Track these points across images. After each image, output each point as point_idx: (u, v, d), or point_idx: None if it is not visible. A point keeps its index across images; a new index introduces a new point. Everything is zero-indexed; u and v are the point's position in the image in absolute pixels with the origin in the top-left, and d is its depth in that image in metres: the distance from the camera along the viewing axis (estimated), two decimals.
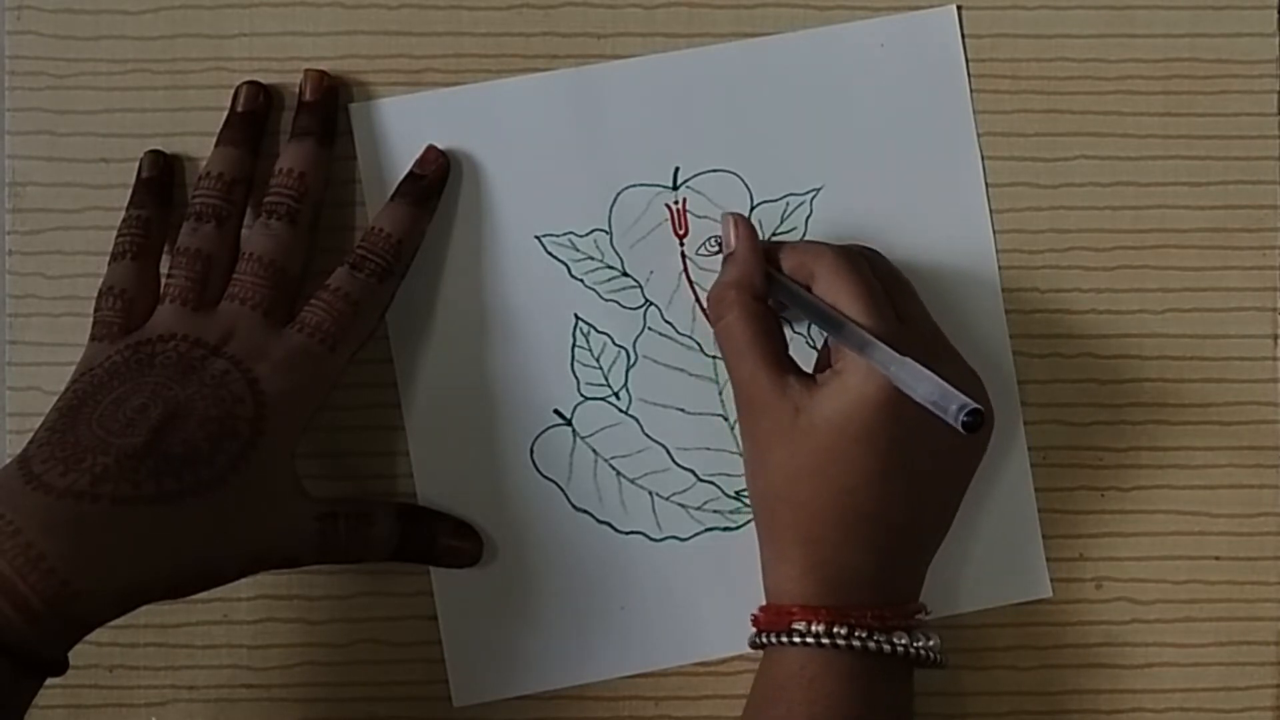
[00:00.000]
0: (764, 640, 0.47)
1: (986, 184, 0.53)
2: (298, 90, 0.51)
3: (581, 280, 0.52)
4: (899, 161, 0.52)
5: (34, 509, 0.42)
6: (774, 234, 0.52)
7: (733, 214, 0.50)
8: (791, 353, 0.48)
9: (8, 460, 0.52)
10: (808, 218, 0.52)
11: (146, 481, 0.43)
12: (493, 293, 0.52)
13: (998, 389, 0.51)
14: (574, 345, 0.52)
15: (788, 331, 0.51)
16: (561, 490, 0.52)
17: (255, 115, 0.51)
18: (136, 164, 0.52)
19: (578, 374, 0.52)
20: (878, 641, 0.45)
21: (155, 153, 0.51)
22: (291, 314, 0.48)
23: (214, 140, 0.51)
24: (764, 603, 0.48)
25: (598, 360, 0.52)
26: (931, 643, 0.47)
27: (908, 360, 0.43)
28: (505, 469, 0.52)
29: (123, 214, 0.51)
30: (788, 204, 0.52)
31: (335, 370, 0.48)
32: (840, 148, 0.53)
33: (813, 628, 0.45)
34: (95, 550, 0.42)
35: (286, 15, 0.52)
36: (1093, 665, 0.53)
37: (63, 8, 0.52)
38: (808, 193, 0.52)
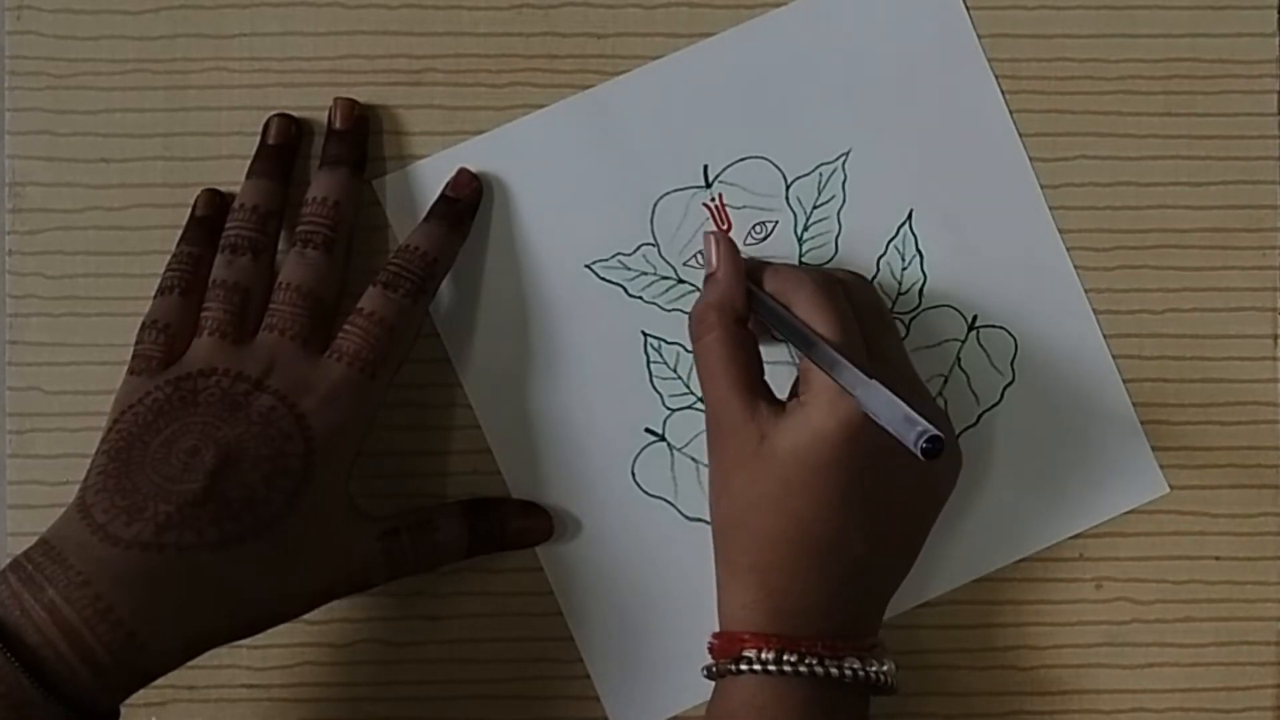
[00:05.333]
0: (716, 670, 0.46)
1: (1010, 110, 0.52)
2: (327, 118, 0.51)
3: (640, 297, 0.52)
4: (919, 107, 0.52)
5: (103, 561, 0.42)
6: (815, 205, 0.52)
7: (713, 233, 0.50)
8: (780, 378, 0.48)
9: (7, 461, 0.52)
10: (844, 183, 0.52)
11: (209, 528, 0.43)
12: (557, 331, 0.52)
13: (1048, 246, 0.52)
14: (649, 362, 0.52)
15: (778, 356, 0.51)
16: (671, 504, 0.52)
17: (286, 148, 0.51)
18: (141, 166, 0.52)
19: (659, 389, 0.52)
20: (826, 667, 0.44)
21: (211, 191, 0.51)
22: (328, 339, 0.48)
23: (213, 143, 0.51)
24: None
25: (675, 371, 0.52)
26: (885, 668, 0.46)
27: (874, 383, 0.42)
28: (610, 499, 0.52)
29: (173, 249, 0.50)
30: (820, 174, 0.52)
31: (377, 397, 0.48)
32: (859, 107, 0.52)
33: (762, 655, 0.45)
34: (162, 601, 0.43)
35: (286, 15, 0.52)
36: (1093, 665, 0.53)
37: (63, 8, 0.52)
38: (837, 158, 0.52)
